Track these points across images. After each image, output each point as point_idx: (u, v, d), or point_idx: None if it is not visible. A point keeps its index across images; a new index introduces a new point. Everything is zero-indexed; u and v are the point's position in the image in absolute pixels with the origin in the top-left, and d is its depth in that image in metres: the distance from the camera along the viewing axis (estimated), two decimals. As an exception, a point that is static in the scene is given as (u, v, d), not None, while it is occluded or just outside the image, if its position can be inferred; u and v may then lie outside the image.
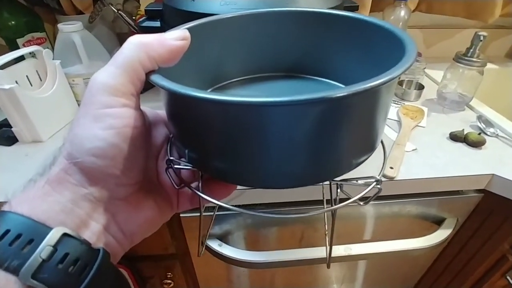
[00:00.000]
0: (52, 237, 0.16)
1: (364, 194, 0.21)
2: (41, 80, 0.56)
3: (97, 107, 0.17)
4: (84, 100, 0.18)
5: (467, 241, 0.60)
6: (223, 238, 0.52)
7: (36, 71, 0.55)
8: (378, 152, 0.23)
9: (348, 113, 0.17)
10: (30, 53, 0.56)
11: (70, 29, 0.57)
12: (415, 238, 0.53)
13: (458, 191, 0.51)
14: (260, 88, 0.28)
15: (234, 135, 0.17)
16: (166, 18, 0.43)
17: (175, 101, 0.19)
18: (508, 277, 0.58)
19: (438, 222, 0.56)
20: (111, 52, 0.66)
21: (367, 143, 0.20)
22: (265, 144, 0.17)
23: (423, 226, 0.56)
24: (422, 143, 0.53)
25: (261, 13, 0.27)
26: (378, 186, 0.22)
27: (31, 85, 0.54)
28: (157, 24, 0.43)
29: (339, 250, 0.51)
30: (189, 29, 0.23)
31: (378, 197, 0.23)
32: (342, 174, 0.20)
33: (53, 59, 0.56)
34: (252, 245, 0.55)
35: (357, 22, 0.25)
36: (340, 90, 0.14)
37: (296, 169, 0.18)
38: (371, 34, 0.24)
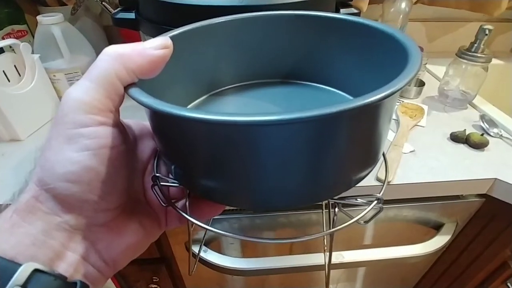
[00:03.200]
0: (20, 275, 0.14)
1: (364, 214, 0.20)
2: (20, 75, 0.53)
3: (70, 126, 0.16)
4: (55, 120, 0.16)
5: (467, 247, 0.58)
6: (209, 243, 0.50)
7: (14, 66, 0.52)
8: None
9: (346, 129, 0.15)
10: (10, 46, 0.54)
11: (50, 21, 0.54)
12: (412, 244, 0.50)
13: (458, 195, 0.49)
14: (256, 95, 0.27)
15: (221, 153, 0.16)
16: (141, 9, 0.39)
17: (157, 118, 0.18)
18: (509, 284, 0.56)
19: (436, 227, 0.53)
20: (96, 46, 0.63)
21: (368, 158, 0.19)
22: (255, 162, 0.15)
23: (420, 231, 0.53)
24: (421, 144, 0.50)
25: (254, 17, 0.26)
26: (380, 204, 0.21)
27: (9, 81, 0.52)
28: (132, 15, 0.40)
29: (330, 257, 0.48)
30: (179, 34, 0.22)
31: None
32: (341, 193, 0.19)
33: (32, 53, 0.53)
34: (240, 250, 0.53)
35: (356, 25, 0.24)
36: (335, 107, 0.12)
37: (290, 190, 0.17)
38: (371, 39, 0.23)
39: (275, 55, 0.27)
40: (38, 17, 0.53)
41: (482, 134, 0.49)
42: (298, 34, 0.26)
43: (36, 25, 0.66)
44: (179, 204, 0.23)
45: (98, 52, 0.20)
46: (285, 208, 0.18)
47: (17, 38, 0.60)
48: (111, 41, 0.77)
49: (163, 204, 0.21)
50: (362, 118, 0.15)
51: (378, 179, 0.43)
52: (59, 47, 0.55)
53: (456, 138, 0.50)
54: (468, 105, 0.61)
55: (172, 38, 0.18)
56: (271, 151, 0.15)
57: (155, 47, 0.17)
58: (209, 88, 0.27)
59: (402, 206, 0.49)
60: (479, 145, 0.48)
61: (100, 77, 0.16)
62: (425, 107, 0.59)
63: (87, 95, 0.16)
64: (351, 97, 0.26)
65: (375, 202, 0.20)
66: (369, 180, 0.42)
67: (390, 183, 0.42)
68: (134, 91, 0.16)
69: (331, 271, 0.65)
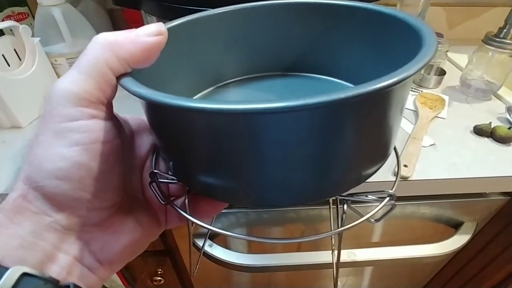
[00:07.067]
0: (8, 279, 0.13)
1: (375, 212, 0.19)
2: (20, 60, 0.51)
3: (58, 120, 0.15)
4: (43, 114, 0.16)
5: (485, 246, 0.55)
6: (214, 237, 0.48)
7: (14, 49, 0.50)
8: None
9: (354, 118, 0.14)
10: (10, 29, 0.52)
11: (50, 3, 0.51)
12: (428, 243, 0.48)
13: (480, 193, 0.45)
14: (259, 87, 0.27)
15: (220, 146, 0.15)
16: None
17: (153, 109, 0.17)
18: (529, 287, 0.53)
19: (455, 226, 0.50)
20: (100, 30, 0.61)
21: (378, 152, 0.18)
22: (258, 156, 0.15)
23: (437, 229, 0.50)
24: (441, 137, 0.46)
25: (258, 6, 0.25)
26: (392, 201, 0.20)
27: (9, 65, 0.50)
28: (133, -7, 0.37)
29: (341, 255, 0.46)
30: (178, 25, 0.22)
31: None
32: (349, 189, 0.18)
33: (33, 36, 0.51)
34: (246, 245, 0.51)
35: (365, 12, 0.22)
36: (343, 92, 0.12)
37: (295, 185, 0.16)
38: (381, 26, 0.21)
39: (280, 46, 0.26)
40: (38, -2, 0.51)
41: (509, 128, 0.46)
42: (304, 24, 0.25)
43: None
44: (179, 201, 0.22)
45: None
46: (291, 206, 0.17)
47: (17, 21, 0.58)
48: (115, 25, 0.74)
49: (162, 202, 0.20)
50: (371, 106, 0.14)
51: (395, 174, 0.40)
52: (60, 30, 0.53)
53: (480, 131, 0.47)
54: (492, 96, 0.57)
55: (170, 29, 0.17)
56: (274, 143, 0.14)
57: (148, 34, 0.16)
58: (211, 83, 0.26)
59: (419, 204, 0.46)
60: (505, 139, 0.45)
61: (90, 67, 0.15)
62: (446, 98, 0.55)
63: (76, 86, 0.15)
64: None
65: (387, 198, 0.19)
66: (386, 176, 0.40)
67: (408, 179, 0.40)
68: (126, 81, 0.15)
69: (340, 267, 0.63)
